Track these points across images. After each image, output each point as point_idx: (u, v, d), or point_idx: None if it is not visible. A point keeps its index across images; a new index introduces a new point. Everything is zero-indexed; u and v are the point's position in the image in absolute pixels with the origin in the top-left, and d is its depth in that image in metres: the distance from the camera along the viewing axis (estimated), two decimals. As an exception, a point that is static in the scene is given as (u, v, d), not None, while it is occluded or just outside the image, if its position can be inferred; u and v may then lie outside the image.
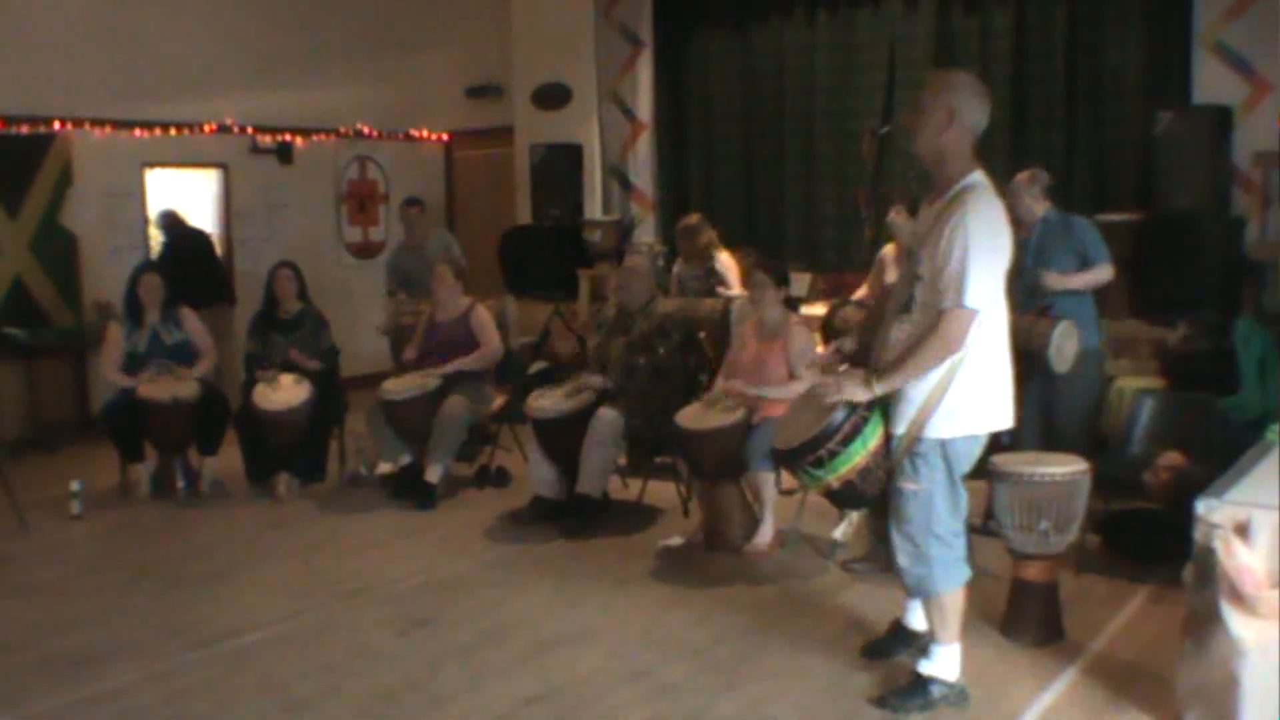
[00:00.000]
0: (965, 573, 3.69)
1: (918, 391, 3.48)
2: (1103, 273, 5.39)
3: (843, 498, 3.77)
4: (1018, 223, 5.42)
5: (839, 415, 3.49)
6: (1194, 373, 5.70)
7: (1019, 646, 4.21)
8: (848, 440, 3.50)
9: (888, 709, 3.71)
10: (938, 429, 3.50)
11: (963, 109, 3.46)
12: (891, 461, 3.59)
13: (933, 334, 3.40)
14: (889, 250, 6.67)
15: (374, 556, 5.52)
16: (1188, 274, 6.64)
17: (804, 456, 3.57)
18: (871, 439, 3.53)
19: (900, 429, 3.55)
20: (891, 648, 4.12)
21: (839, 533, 5.41)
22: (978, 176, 3.50)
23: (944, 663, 3.72)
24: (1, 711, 3.91)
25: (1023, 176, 5.47)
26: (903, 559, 3.66)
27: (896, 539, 3.66)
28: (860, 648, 4.19)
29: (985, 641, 4.17)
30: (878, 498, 3.70)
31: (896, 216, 6.37)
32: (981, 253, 3.35)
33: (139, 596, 5.02)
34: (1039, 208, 5.43)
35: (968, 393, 3.48)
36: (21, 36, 8.00)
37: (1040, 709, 3.78)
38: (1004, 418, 3.60)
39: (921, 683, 3.72)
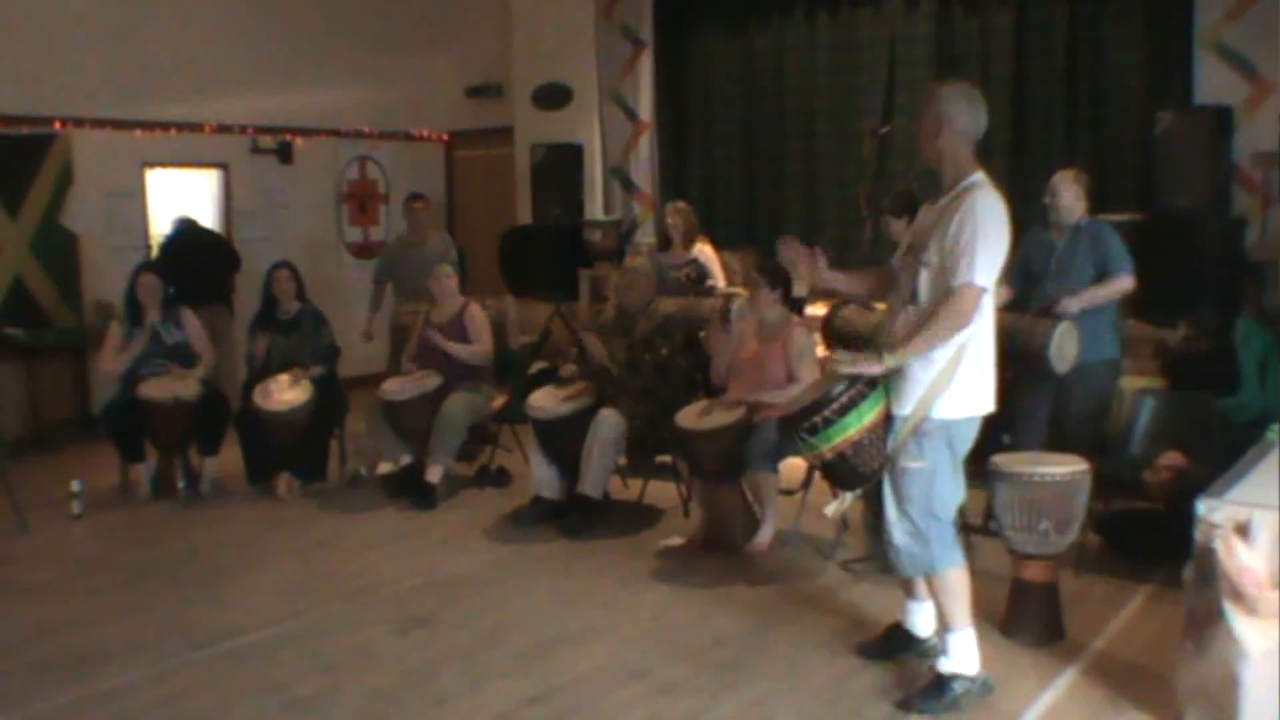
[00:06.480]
0: (960, 555, 3.75)
1: (925, 373, 3.58)
2: (1120, 284, 5.20)
3: (837, 473, 3.82)
4: (1051, 224, 5.38)
5: (839, 386, 3.59)
6: (1194, 373, 5.68)
7: (1019, 646, 4.22)
8: (844, 410, 3.58)
9: (912, 712, 3.72)
10: (944, 410, 3.61)
11: (951, 116, 3.64)
12: (893, 442, 3.65)
13: (943, 308, 3.52)
14: None
15: (374, 556, 5.52)
16: (1188, 274, 6.62)
17: (801, 421, 3.68)
18: (868, 414, 3.61)
19: (906, 409, 3.63)
20: (890, 649, 4.13)
21: (830, 509, 5.35)
22: (979, 176, 3.67)
23: (960, 654, 3.73)
24: (1, 711, 3.91)
25: (1066, 172, 5.31)
26: (899, 536, 3.71)
27: (894, 518, 3.71)
28: (856, 645, 4.22)
29: (986, 641, 4.14)
30: (872, 477, 3.73)
31: (886, 217, 6.35)
32: (989, 238, 3.53)
33: (139, 596, 5.03)
34: (1079, 207, 5.25)
35: (972, 375, 3.61)
36: (22, 36, 8.00)
37: (1041, 709, 3.78)
38: (993, 401, 3.73)
39: (943, 681, 3.73)
